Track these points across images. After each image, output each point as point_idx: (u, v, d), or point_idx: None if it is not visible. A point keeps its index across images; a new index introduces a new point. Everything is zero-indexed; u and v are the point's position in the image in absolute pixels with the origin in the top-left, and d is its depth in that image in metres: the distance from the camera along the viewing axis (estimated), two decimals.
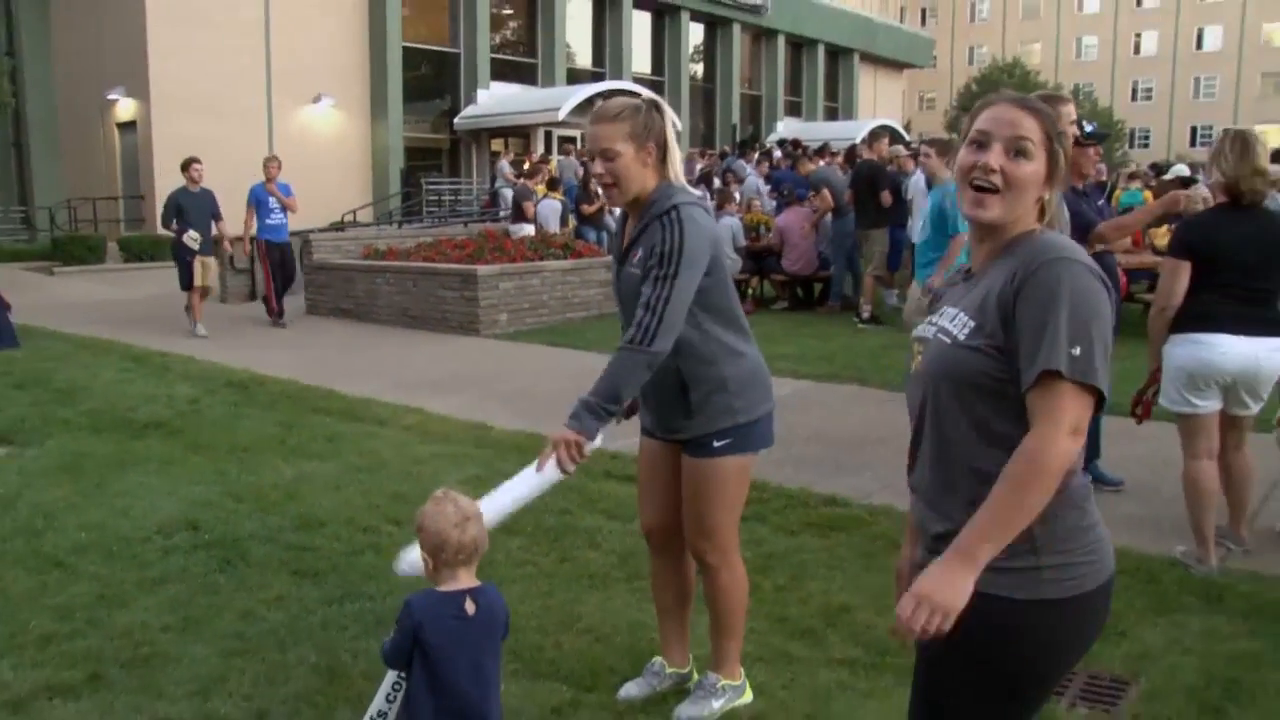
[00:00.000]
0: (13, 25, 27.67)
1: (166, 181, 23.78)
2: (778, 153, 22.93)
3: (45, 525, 5.29)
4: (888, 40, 46.45)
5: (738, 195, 15.60)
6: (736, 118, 38.69)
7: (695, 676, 3.63)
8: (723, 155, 24.07)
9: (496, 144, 30.54)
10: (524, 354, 11.06)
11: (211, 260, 12.44)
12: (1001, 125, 2.03)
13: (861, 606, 4.34)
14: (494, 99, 29.99)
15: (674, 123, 3.27)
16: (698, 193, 3.25)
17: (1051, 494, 1.89)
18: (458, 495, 2.64)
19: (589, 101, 29.05)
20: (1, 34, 27.13)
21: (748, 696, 3.54)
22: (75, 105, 26.78)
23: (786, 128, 38.05)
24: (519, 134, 30.13)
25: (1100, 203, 5.57)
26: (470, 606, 2.57)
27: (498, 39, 31.82)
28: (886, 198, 12.44)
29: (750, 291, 14.30)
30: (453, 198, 28.07)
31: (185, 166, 12.20)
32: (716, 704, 3.45)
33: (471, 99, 30.19)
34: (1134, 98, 72.64)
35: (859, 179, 12.66)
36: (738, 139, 32.67)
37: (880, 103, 47.12)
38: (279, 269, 13.03)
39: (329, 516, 5.44)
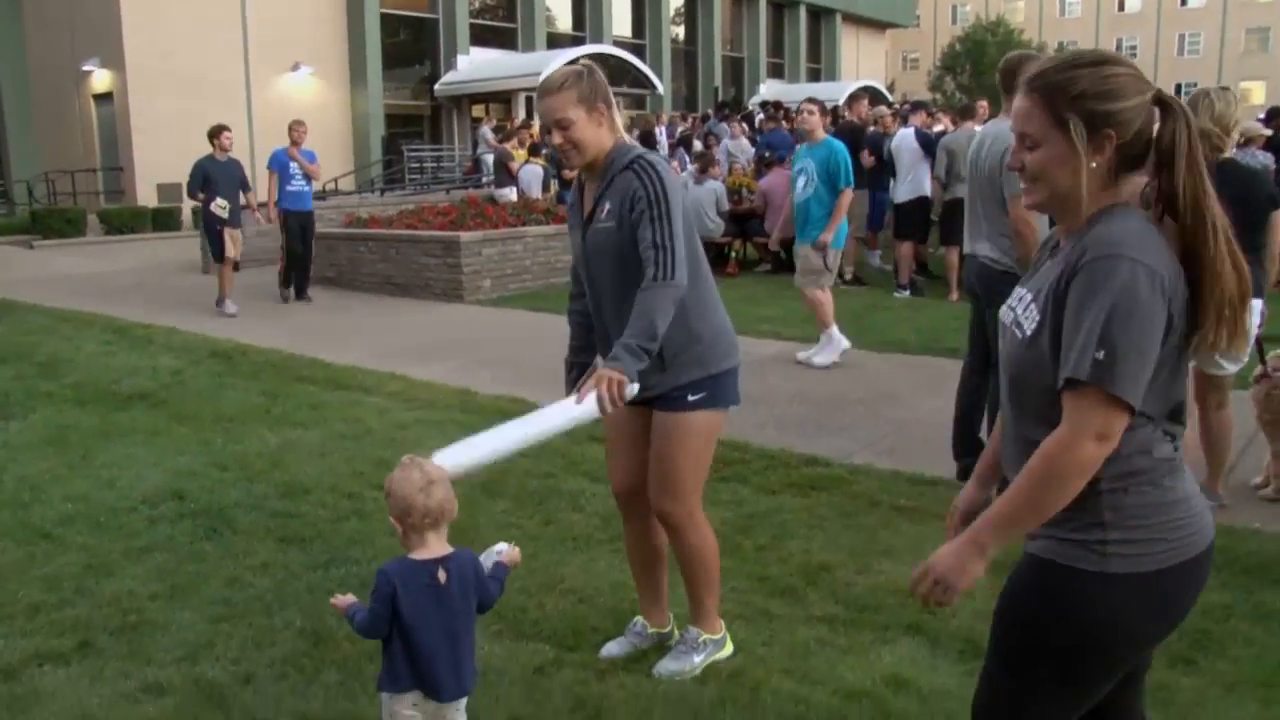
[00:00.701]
0: None
1: (145, 154, 23.76)
2: (760, 115, 22.83)
3: (32, 497, 5.33)
4: (870, 0, 46.20)
5: (721, 158, 15.57)
6: (719, 80, 38.43)
7: (676, 635, 3.68)
8: (705, 119, 23.96)
9: (478, 110, 30.32)
10: (507, 319, 11.08)
11: (239, 232, 11.89)
12: (1015, 120, 2.01)
13: (841, 565, 4.40)
14: (474, 65, 29.70)
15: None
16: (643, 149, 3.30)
17: (1068, 496, 1.87)
18: (424, 461, 2.67)
19: (570, 64, 28.89)
20: None
21: (728, 649, 3.60)
22: (49, 77, 26.45)
23: (769, 89, 37.86)
24: (500, 99, 29.96)
25: None
26: (442, 575, 2.60)
27: (477, 4, 31.48)
28: (867, 159, 12.44)
29: (733, 254, 14.32)
30: (435, 165, 27.95)
31: (214, 134, 11.72)
32: (697, 658, 3.52)
33: (451, 65, 29.91)
34: None
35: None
36: (719, 101, 32.47)
37: (863, 63, 46.86)
38: (298, 240, 12.35)
39: (314, 484, 5.48)
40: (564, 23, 34.39)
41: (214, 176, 11.53)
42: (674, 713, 3.26)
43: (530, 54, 30.47)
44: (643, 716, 3.25)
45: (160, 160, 23.74)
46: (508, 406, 6.92)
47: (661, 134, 22.08)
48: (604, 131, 3.23)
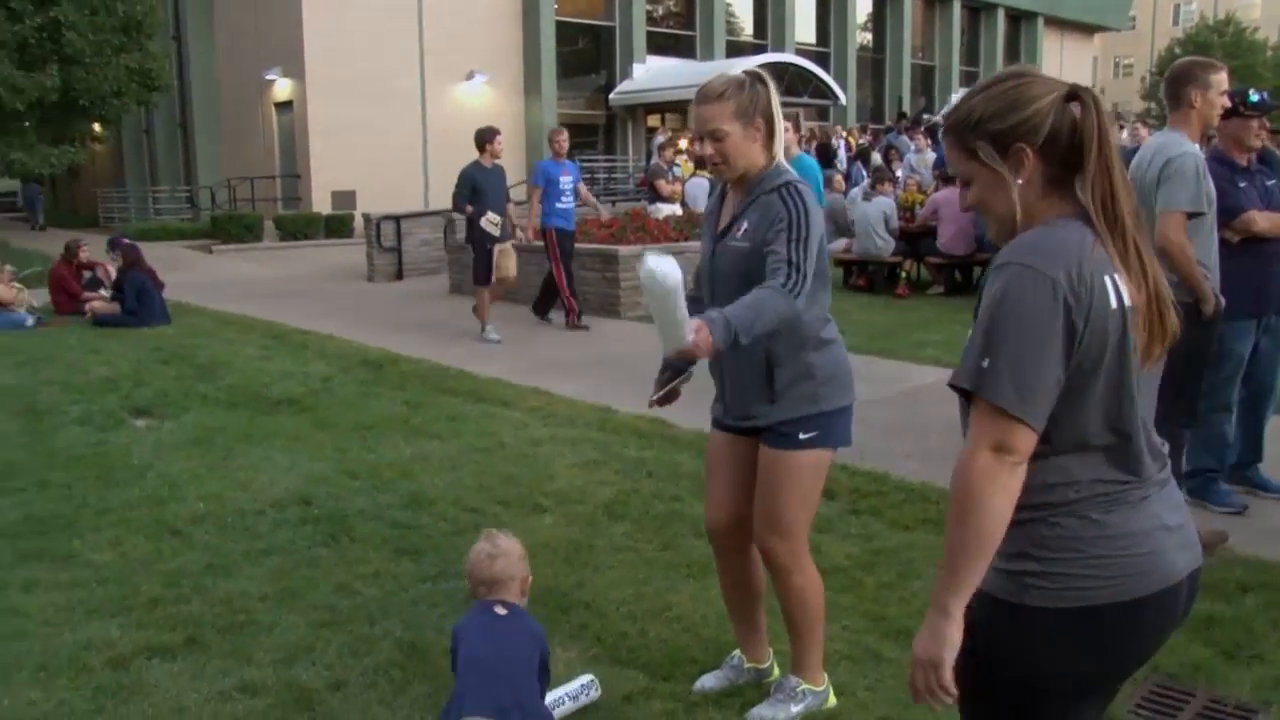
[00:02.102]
0: (179, 9, 28.95)
1: (321, 162, 24.74)
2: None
3: (170, 495, 5.53)
4: (1076, 0, 43.69)
5: (900, 174, 15.08)
6: (906, 90, 37.09)
7: (776, 673, 3.53)
8: (887, 130, 23.41)
9: (653, 120, 30.26)
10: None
11: (510, 247, 10.70)
12: (947, 161, 2.01)
13: None
14: (650, 73, 29.54)
15: (777, 96, 3.17)
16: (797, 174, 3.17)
17: (993, 516, 1.76)
18: (499, 535, 2.98)
19: None
20: (169, 18, 28.37)
21: (831, 702, 3.41)
22: (235, 86, 27.82)
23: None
24: (676, 109, 29.54)
25: (1271, 183, 5.09)
26: (501, 610, 2.84)
27: (655, 11, 31.37)
28: None
29: (904, 275, 13.75)
30: (607, 175, 28.10)
31: (485, 139, 10.49)
32: (795, 708, 3.33)
33: (627, 74, 29.87)
34: None
35: None
36: (903, 112, 31.59)
37: (1067, 70, 44.34)
38: (569, 262, 11.19)
39: (438, 496, 5.51)
40: (745, 30, 34.02)
41: (483, 187, 10.35)
42: None
43: (708, 62, 29.97)
44: None
45: (336, 168, 24.71)
46: (645, 427, 6.87)
47: (840, 146, 21.70)
48: (758, 148, 3.11)
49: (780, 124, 3.13)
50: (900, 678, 3.56)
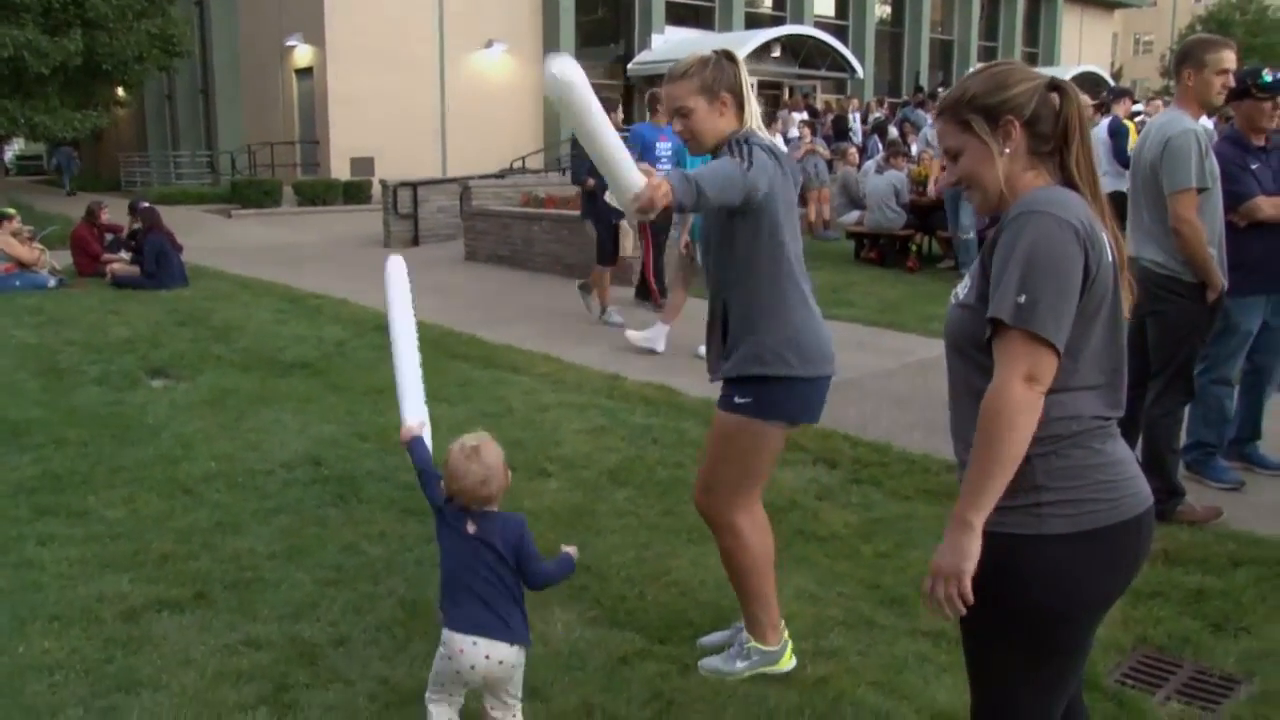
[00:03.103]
0: None
1: (340, 128, 24.81)
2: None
3: (183, 454, 5.63)
4: None
5: (914, 148, 15.04)
6: (924, 65, 36.83)
7: (788, 654, 3.57)
8: (904, 104, 23.32)
9: None
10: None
11: (626, 224, 9.86)
12: (938, 142, 2.22)
13: None
14: (668, 44, 29.37)
15: (746, 74, 3.25)
16: (769, 139, 3.20)
17: (1019, 442, 1.95)
18: (485, 450, 2.87)
19: (766, 46, 28.54)
20: None
21: (785, 664, 3.41)
22: (256, 52, 27.88)
23: None
24: None
25: None
26: (471, 527, 2.85)
27: None
28: None
29: (914, 248, 13.74)
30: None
31: (609, 109, 9.66)
32: (740, 664, 3.36)
33: (646, 44, 29.87)
34: None
35: None
36: (920, 86, 31.40)
37: (1086, 47, 43.90)
38: (660, 238, 10.08)
39: (444, 459, 5.57)
40: (764, 1, 33.80)
41: None
42: (748, 714, 3.20)
43: (726, 34, 29.95)
44: (716, 715, 3.20)
45: (354, 134, 24.79)
46: (653, 395, 6.94)
47: (855, 120, 21.63)
48: (724, 121, 3.18)
49: (751, 99, 3.20)
50: (894, 644, 3.66)
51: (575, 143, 9.73)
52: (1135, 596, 3.87)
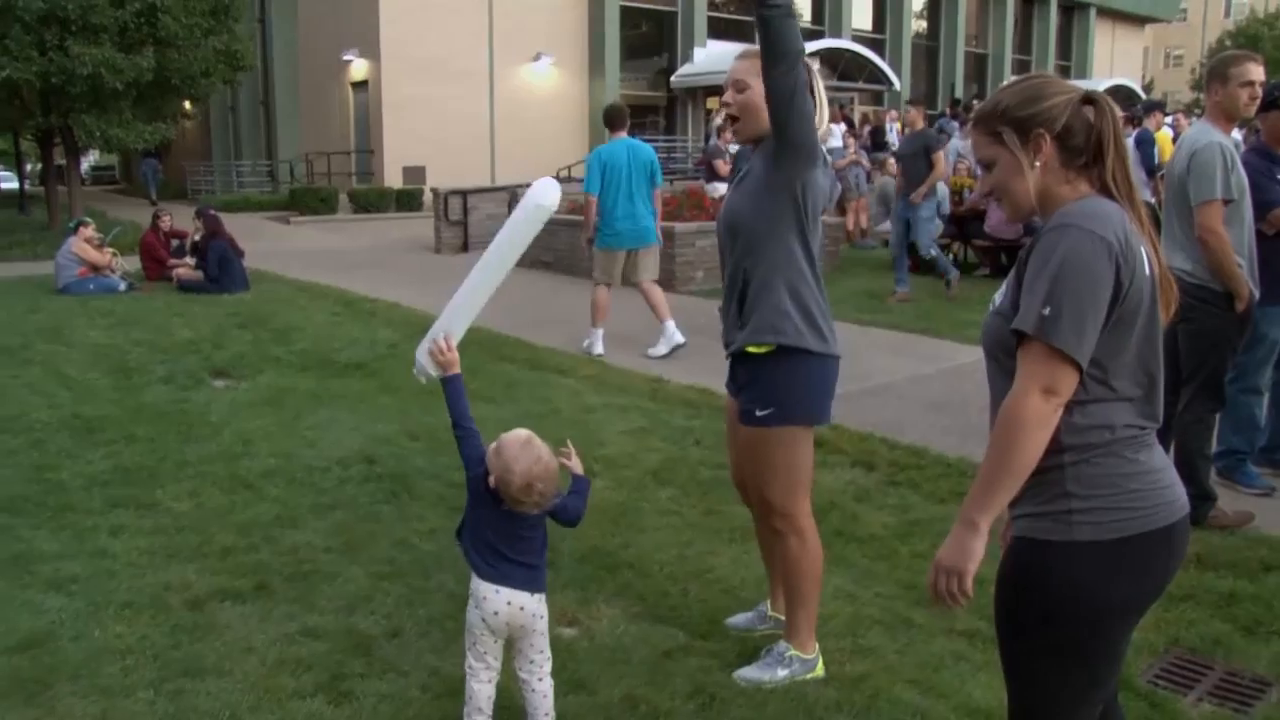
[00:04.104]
0: None
1: (393, 138, 25.20)
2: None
3: (243, 451, 5.84)
4: None
5: (950, 157, 15.04)
6: (959, 77, 37.24)
7: None
8: (939, 116, 23.30)
9: (712, 102, 30.51)
10: (714, 312, 11.09)
11: None
12: (973, 154, 2.14)
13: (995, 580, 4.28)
14: (710, 57, 29.79)
15: (820, 81, 3.24)
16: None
17: (1031, 452, 1.97)
18: (544, 459, 2.93)
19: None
20: (254, 2, 28.96)
21: (819, 672, 3.48)
22: (314, 66, 28.44)
23: None
24: None
25: None
26: (525, 532, 3.00)
27: None
28: None
29: (952, 257, 13.84)
30: (667, 155, 28.28)
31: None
32: (781, 672, 3.43)
33: (688, 57, 30.25)
34: None
35: None
36: (956, 99, 31.44)
37: (1118, 61, 44.26)
38: None
39: None
40: (803, 16, 33.93)
41: None
42: (788, 710, 3.27)
43: None
44: (757, 710, 3.27)
45: (407, 144, 25.17)
46: (694, 397, 7.06)
47: (892, 131, 21.70)
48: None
49: (821, 105, 3.19)
50: (930, 643, 3.72)
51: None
52: (1168, 599, 3.91)
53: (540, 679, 3.03)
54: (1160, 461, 2.09)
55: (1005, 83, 2.23)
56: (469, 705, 3.01)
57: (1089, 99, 2.10)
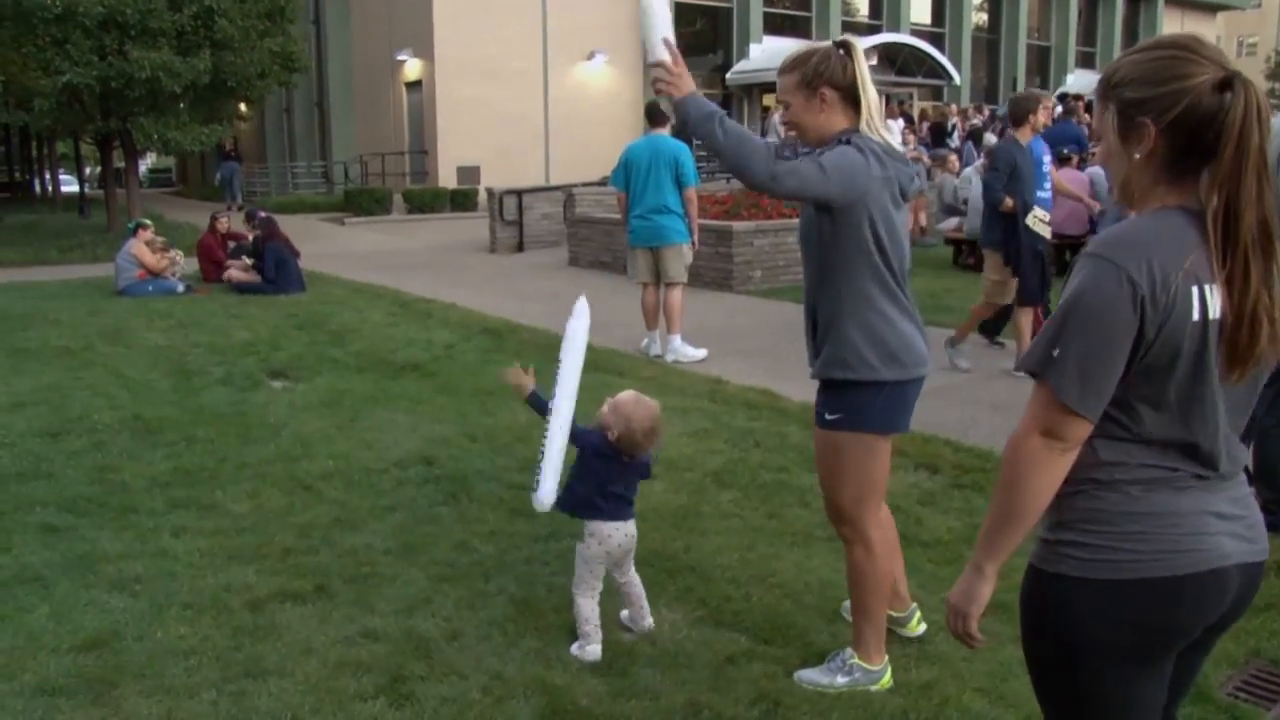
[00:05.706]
0: None
1: (447, 139, 25.36)
2: (1058, 108, 21.68)
3: (302, 452, 5.85)
4: None
5: None
6: (1021, 70, 36.63)
7: (916, 619, 3.67)
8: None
9: (768, 99, 30.41)
10: (772, 311, 11.05)
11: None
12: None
13: None
14: (766, 53, 29.78)
15: (864, 64, 3.15)
16: (881, 140, 3.10)
17: (1033, 494, 1.82)
18: (658, 416, 3.65)
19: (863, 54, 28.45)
20: (308, 3, 29.34)
21: (884, 684, 3.40)
22: (368, 67, 28.73)
23: (1077, 81, 35.69)
24: None
25: None
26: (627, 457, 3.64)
27: None
28: None
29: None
30: None
31: (1029, 109, 7.41)
32: (841, 680, 3.36)
33: (744, 54, 30.21)
34: None
35: None
36: (1063, 93, 30.91)
37: None
38: (1036, 265, 7.59)
39: None
40: (861, 10, 33.82)
41: (1025, 171, 7.34)
42: (853, 717, 3.21)
43: (823, 44, 30.03)
44: (821, 717, 3.21)
45: (461, 144, 25.33)
46: (755, 399, 6.99)
47: (953, 125, 21.47)
48: (824, 118, 3.11)
49: (866, 92, 3.09)
50: (999, 650, 3.63)
51: (996, 150, 7.92)
52: (1248, 610, 3.79)
53: (635, 579, 3.75)
54: (1185, 506, 1.82)
55: (1141, 42, 1.87)
56: (586, 622, 3.60)
57: (1227, 82, 1.71)
